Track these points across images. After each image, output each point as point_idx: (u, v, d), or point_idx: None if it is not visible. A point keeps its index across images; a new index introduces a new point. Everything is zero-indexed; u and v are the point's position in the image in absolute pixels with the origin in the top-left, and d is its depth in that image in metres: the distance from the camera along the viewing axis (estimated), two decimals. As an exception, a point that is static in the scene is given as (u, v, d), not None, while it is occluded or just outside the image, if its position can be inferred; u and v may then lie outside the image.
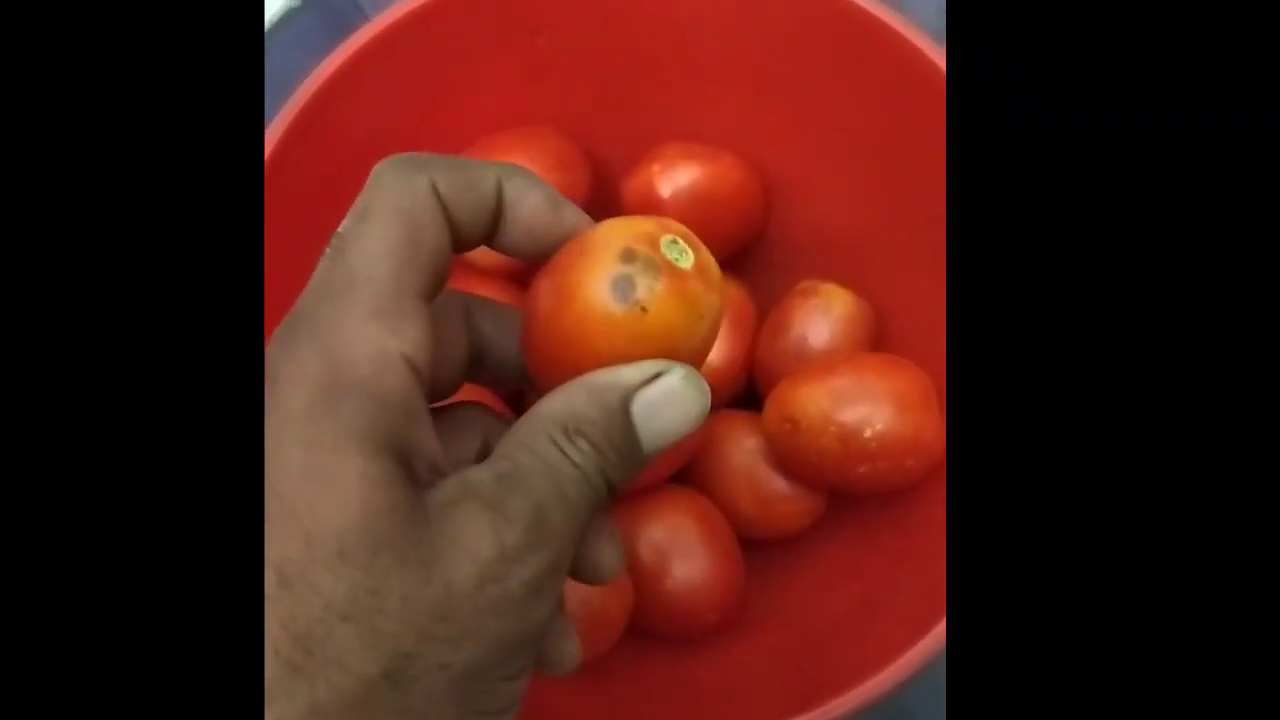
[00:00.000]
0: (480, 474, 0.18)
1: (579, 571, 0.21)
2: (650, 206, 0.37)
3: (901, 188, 0.36)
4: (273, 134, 0.34)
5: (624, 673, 0.35)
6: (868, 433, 0.31)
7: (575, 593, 0.32)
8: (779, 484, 0.36)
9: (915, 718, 0.41)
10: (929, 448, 0.32)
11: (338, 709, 0.16)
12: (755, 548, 0.37)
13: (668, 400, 0.19)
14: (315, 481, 0.17)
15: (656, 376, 0.19)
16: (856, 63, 0.34)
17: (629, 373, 0.19)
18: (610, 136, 0.40)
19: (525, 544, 0.17)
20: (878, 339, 0.37)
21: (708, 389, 0.20)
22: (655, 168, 0.37)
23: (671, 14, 0.36)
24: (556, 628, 0.21)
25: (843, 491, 0.35)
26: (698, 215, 0.37)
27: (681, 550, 0.35)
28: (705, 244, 0.37)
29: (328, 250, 0.19)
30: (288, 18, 0.54)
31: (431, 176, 0.20)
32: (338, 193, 0.36)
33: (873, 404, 0.32)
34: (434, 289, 0.20)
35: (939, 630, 0.29)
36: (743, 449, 0.36)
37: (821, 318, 0.36)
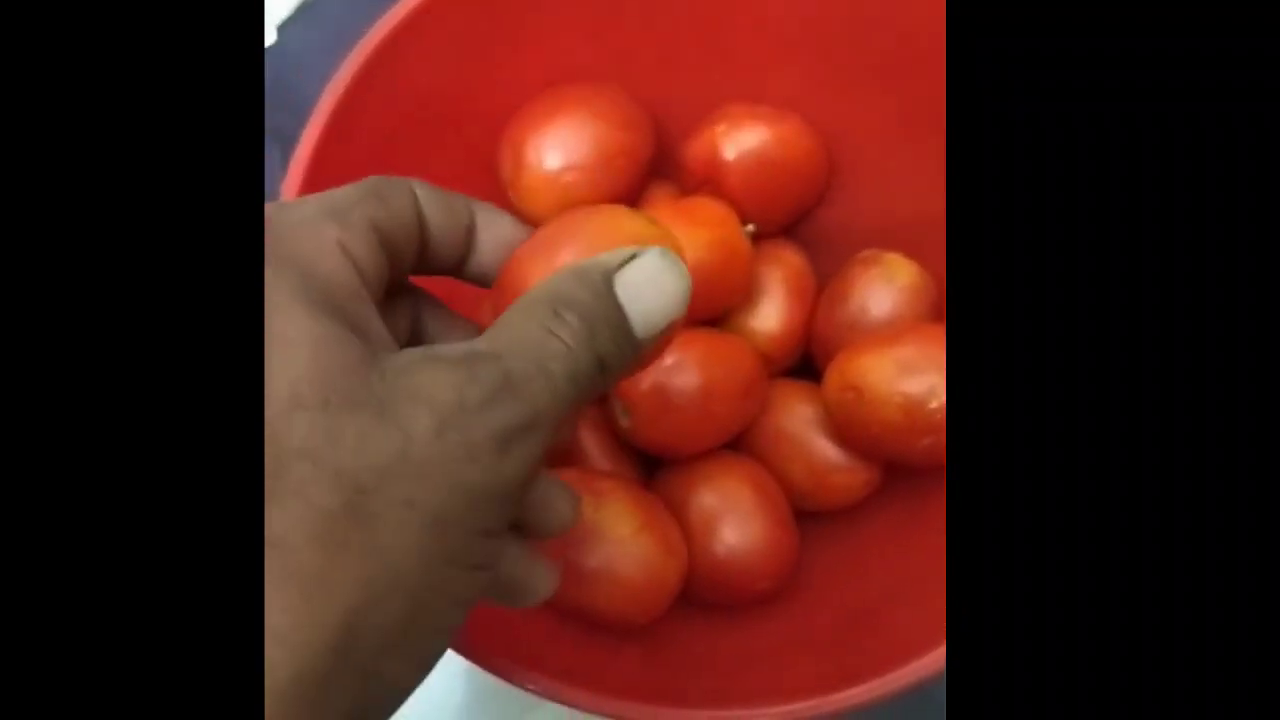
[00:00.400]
0: (450, 347, 0.18)
1: (530, 522, 0.22)
2: (713, 169, 0.37)
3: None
4: (334, 90, 0.34)
5: (669, 638, 0.35)
6: (933, 404, 0.31)
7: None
8: (834, 454, 0.35)
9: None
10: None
11: (301, 540, 0.16)
12: (806, 518, 0.37)
13: (648, 278, 0.19)
14: (267, 339, 0.17)
15: (633, 258, 0.20)
16: (932, 33, 0.33)
17: (607, 256, 0.19)
18: (672, 98, 0.39)
19: (489, 398, 0.17)
20: (941, 313, 0.37)
21: (686, 269, 0.20)
22: (720, 128, 0.37)
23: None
24: (541, 498, 0.21)
25: (902, 464, 0.34)
26: (762, 179, 0.37)
27: (735, 516, 0.34)
28: (768, 209, 0.37)
29: None
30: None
31: (412, 185, 0.22)
32: (400, 147, 0.37)
33: (939, 375, 0.31)
34: (392, 259, 0.21)
35: None
36: (798, 418, 0.36)
37: (884, 287, 0.36)
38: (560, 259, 0.22)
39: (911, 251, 0.37)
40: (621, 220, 0.23)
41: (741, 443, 0.37)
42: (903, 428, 0.32)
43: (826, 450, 0.35)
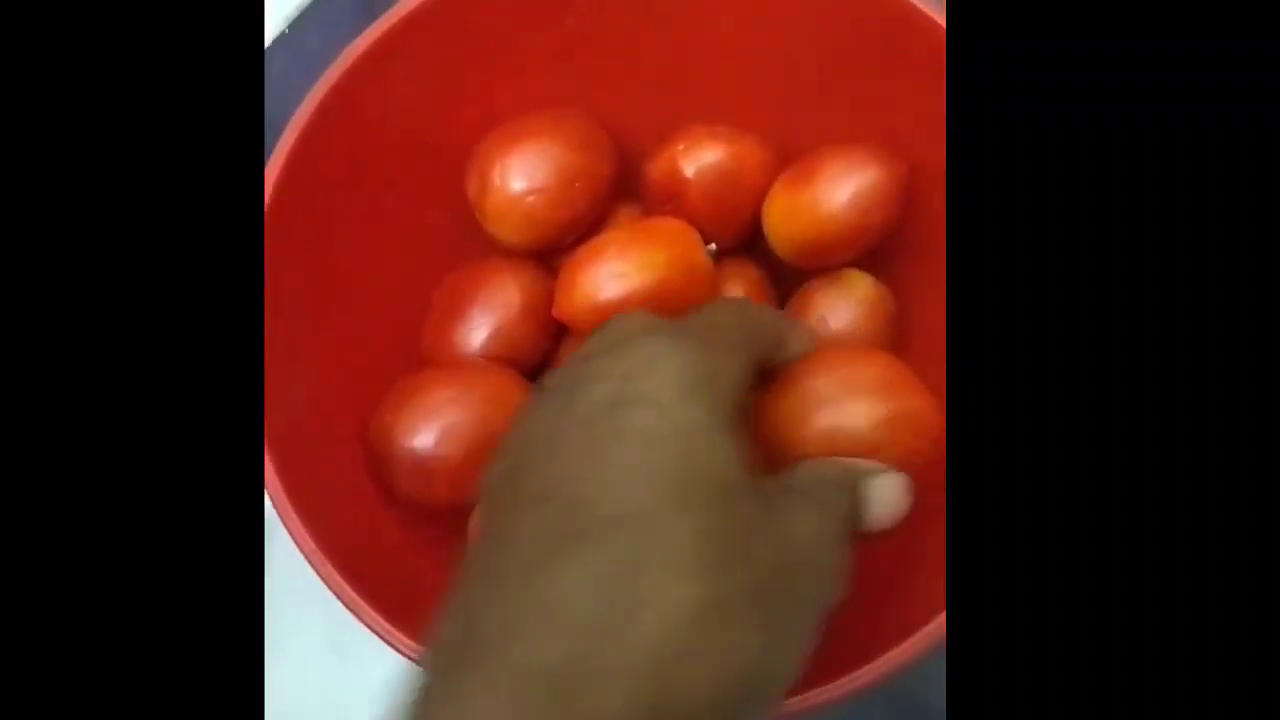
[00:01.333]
0: (798, 482, 0.25)
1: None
2: (674, 187, 0.38)
3: (922, 181, 0.36)
4: (299, 119, 0.34)
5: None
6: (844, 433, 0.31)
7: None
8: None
9: (929, 703, 0.41)
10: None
11: (736, 596, 0.21)
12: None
13: (887, 488, 0.26)
14: (709, 440, 0.22)
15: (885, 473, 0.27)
16: (883, 50, 0.34)
17: (866, 464, 0.27)
18: (636, 118, 0.40)
19: (836, 532, 0.24)
20: (900, 327, 0.38)
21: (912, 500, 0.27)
22: (680, 147, 0.38)
23: (690, 10, 0.36)
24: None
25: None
26: (720, 195, 0.38)
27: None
28: (728, 225, 0.38)
29: None
30: (319, 2, 0.55)
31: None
32: (371, 170, 0.37)
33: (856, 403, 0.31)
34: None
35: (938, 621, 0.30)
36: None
37: (843, 301, 0.36)
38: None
39: (870, 265, 0.38)
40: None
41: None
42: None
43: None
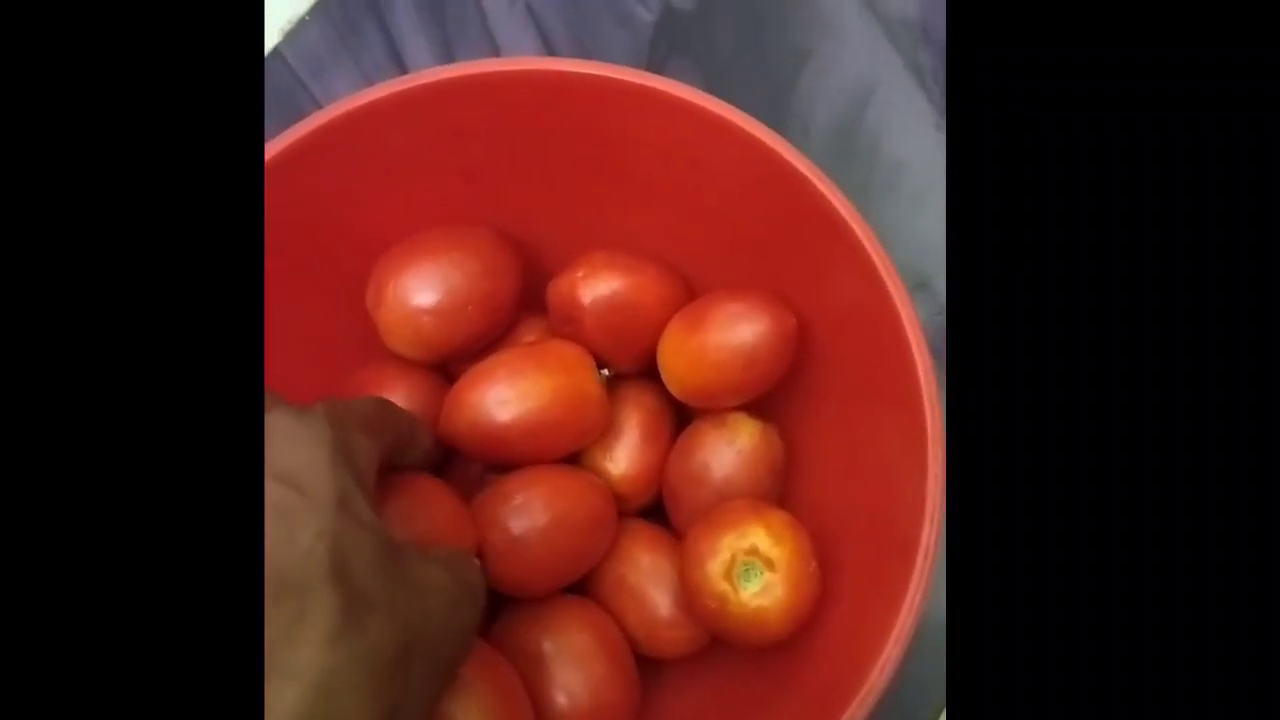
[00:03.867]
0: (436, 555, 0.28)
1: None
2: (572, 308, 0.38)
3: (819, 330, 0.36)
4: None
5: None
6: (745, 598, 0.33)
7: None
8: (665, 609, 0.36)
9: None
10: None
11: (377, 660, 0.23)
12: (648, 663, 0.37)
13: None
14: (348, 515, 0.24)
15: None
16: (784, 208, 0.35)
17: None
18: (544, 237, 0.40)
19: (468, 598, 0.28)
20: (784, 470, 0.37)
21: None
22: (579, 274, 0.38)
23: (604, 133, 0.36)
24: None
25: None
26: (616, 324, 0.38)
27: (574, 662, 0.35)
28: (624, 353, 0.38)
29: None
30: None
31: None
32: (274, 272, 0.37)
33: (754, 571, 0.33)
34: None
35: None
36: (637, 567, 0.37)
37: (726, 448, 0.36)
38: None
39: (762, 407, 0.38)
40: None
41: (587, 584, 0.37)
42: (718, 614, 0.33)
43: (658, 605, 0.36)
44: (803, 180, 0.33)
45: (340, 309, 0.39)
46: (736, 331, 0.35)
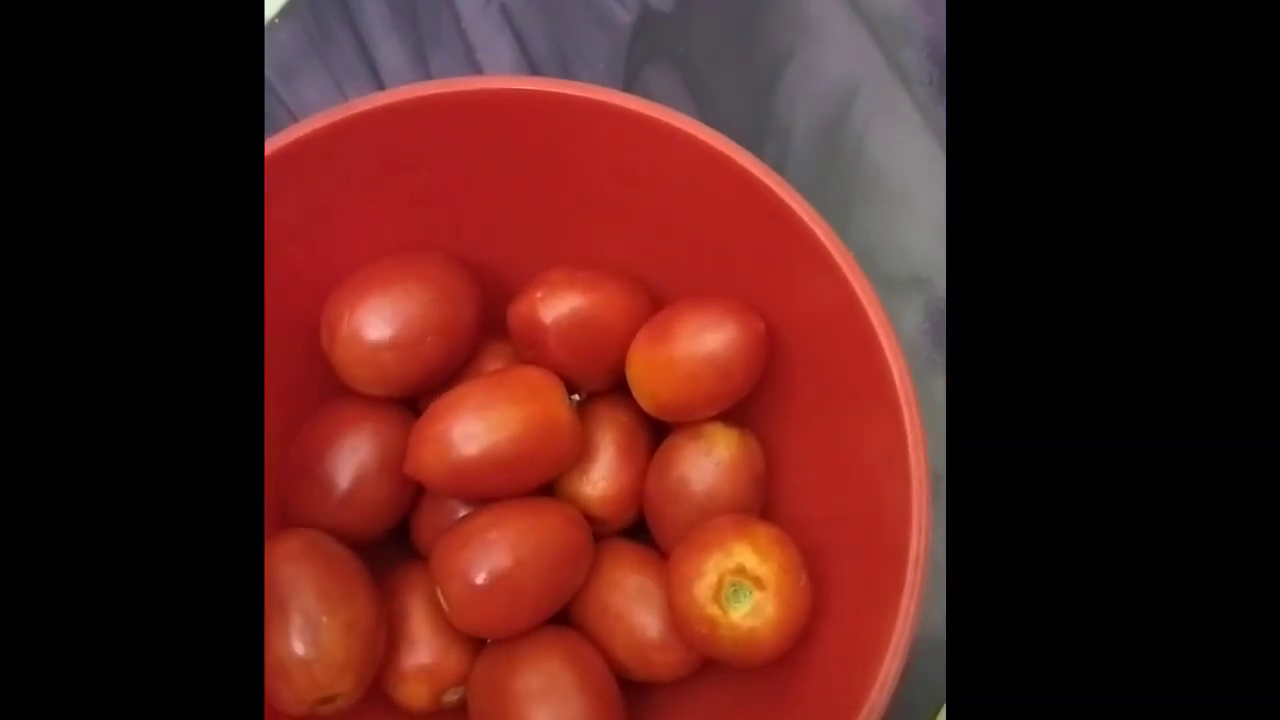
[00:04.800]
0: None
1: None
2: (534, 330, 0.36)
3: (791, 338, 0.35)
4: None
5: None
6: (735, 620, 0.32)
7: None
8: (655, 632, 0.35)
9: None
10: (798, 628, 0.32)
11: None
12: (637, 688, 0.36)
13: None
14: None
15: None
16: (733, 210, 0.34)
17: None
18: (502, 259, 0.39)
19: None
20: (766, 479, 0.37)
21: None
22: (539, 294, 0.36)
23: (559, 150, 0.35)
24: None
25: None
26: (581, 343, 0.36)
27: (555, 698, 0.34)
28: (590, 371, 0.37)
29: None
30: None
31: None
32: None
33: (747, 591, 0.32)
34: None
35: None
36: (622, 590, 0.35)
37: (704, 460, 0.35)
38: None
39: (739, 416, 0.37)
40: None
41: (570, 611, 0.36)
42: (709, 639, 0.32)
43: (648, 627, 0.35)
44: (761, 187, 0.32)
45: (295, 349, 0.38)
46: (705, 340, 0.34)
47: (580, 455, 0.37)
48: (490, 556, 0.33)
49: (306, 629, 0.31)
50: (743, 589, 0.32)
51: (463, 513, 0.37)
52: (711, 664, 0.35)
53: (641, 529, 0.39)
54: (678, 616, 0.33)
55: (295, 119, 0.47)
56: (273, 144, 0.34)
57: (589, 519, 0.37)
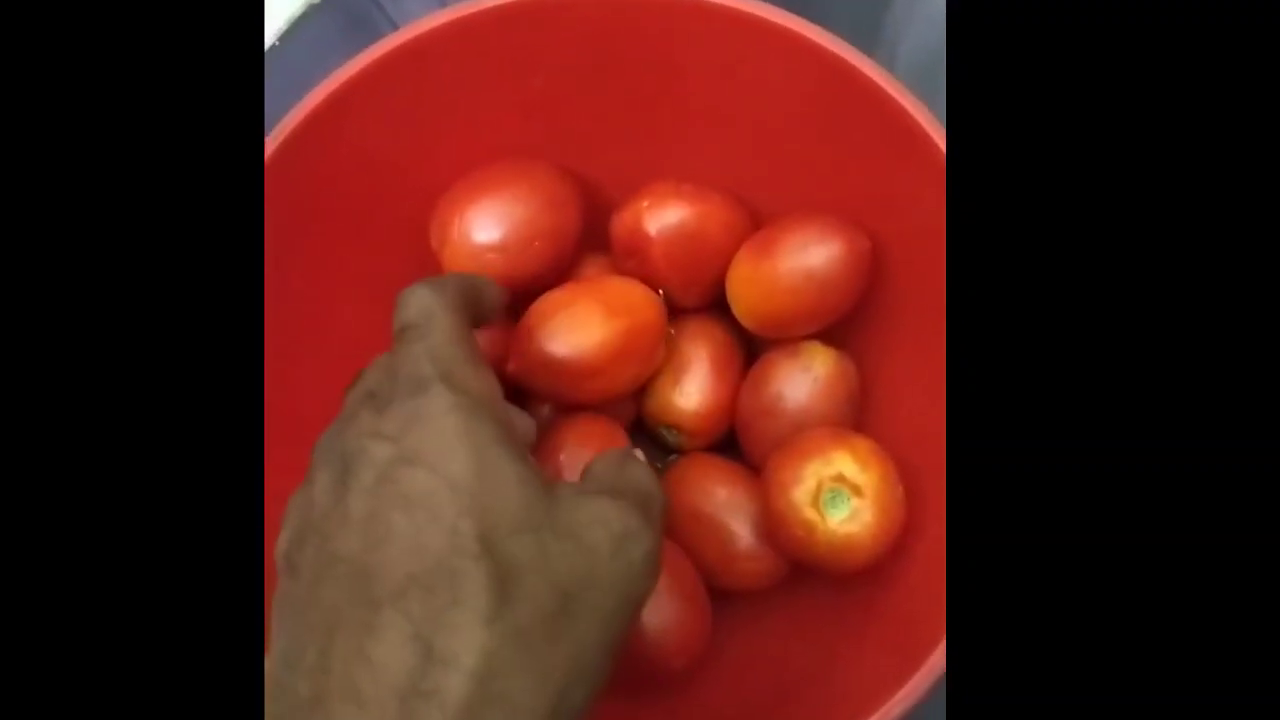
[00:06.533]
0: (593, 483, 0.26)
1: None
2: (637, 240, 0.37)
3: (895, 254, 0.35)
4: (269, 147, 0.34)
5: None
6: (833, 525, 0.32)
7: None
8: (744, 541, 0.35)
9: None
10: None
11: (535, 627, 0.22)
12: (722, 599, 0.37)
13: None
14: (488, 479, 0.23)
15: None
16: (858, 125, 0.33)
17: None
18: (605, 170, 0.39)
19: (639, 528, 0.24)
20: (860, 400, 0.37)
21: None
22: (644, 204, 0.37)
23: (669, 57, 0.35)
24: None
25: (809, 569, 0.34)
26: (683, 255, 0.37)
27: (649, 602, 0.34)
28: (692, 283, 0.37)
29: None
30: (308, 15, 0.54)
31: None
32: (327, 215, 0.37)
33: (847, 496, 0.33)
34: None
35: (905, 690, 0.29)
36: (712, 500, 0.36)
37: (802, 376, 0.36)
38: None
39: (836, 336, 0.37)
40: None
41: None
42: (805, 543, 0.32)
43: (737, 536, 0.35)
44: (879, 93, 0.32)
45: (403, 250, 0.39)
46: (809, 256, 0.34)
47: (671, 365, 0.38)
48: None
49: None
50: (841, 495, 0.32)
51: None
52: (796, 575, 0.36)
53: (730, 446, 0.39)
54: (773, 521, 0.33)
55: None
56: (382, 47, 0.35)
57: (679, 431, 0.38)
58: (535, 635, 0.22)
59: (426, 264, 0.38)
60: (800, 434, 0.34)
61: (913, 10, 0.46)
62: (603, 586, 0.23)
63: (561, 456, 0.36)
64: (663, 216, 0.36)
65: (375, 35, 0.35)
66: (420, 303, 0.27)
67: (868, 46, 0.39)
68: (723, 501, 0.36)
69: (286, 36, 0.55)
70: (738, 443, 0.39)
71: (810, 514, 0.32)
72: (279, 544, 0.25)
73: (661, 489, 0.27)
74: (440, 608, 0.21)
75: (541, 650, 0.22)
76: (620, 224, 0.37)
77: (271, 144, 0.34)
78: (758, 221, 0.38)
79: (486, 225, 0.36)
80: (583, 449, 0.36)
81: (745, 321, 0.37)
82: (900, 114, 0.32)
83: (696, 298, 0.38)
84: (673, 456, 0.40)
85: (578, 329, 0.35)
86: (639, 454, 0.28)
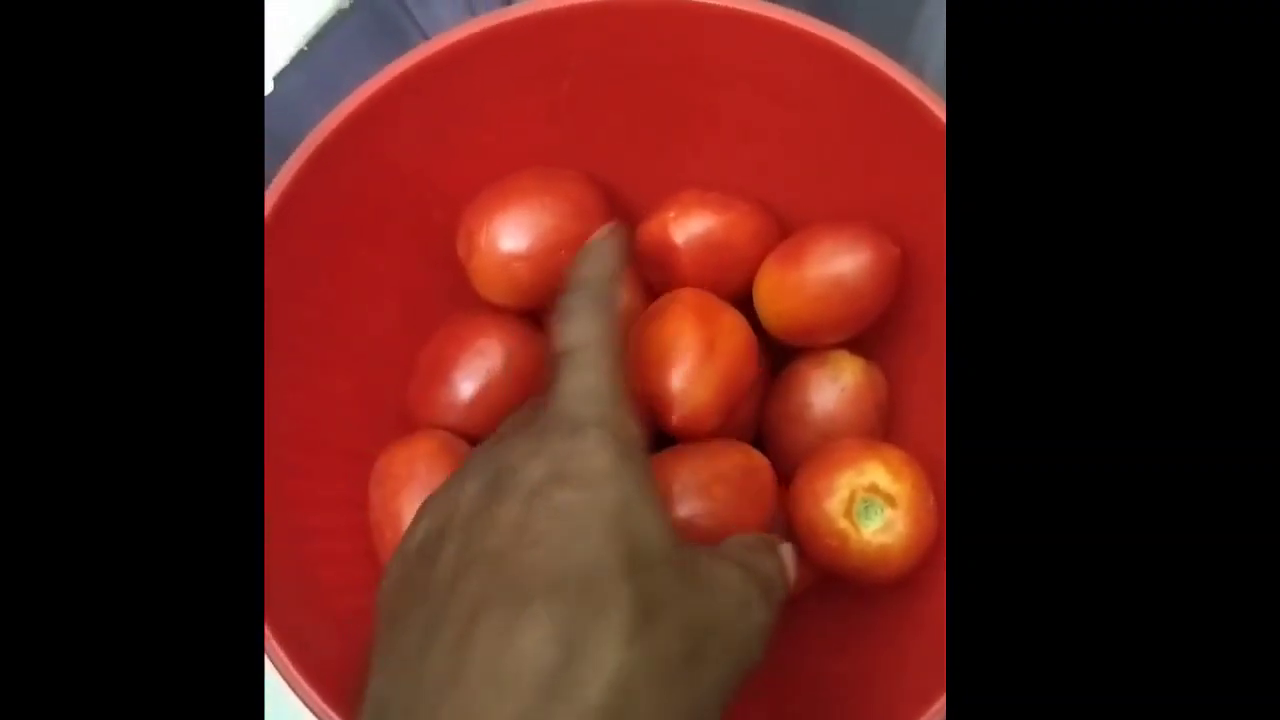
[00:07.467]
0: (728, 550, 0.27)
1: None
2: (665, 251, 0.37)
3: (919, 259, 0.35)
4: (287, 171, 0.34)
5: None
6: (866, 537, 0.32)
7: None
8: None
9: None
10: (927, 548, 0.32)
11: (670, 658, 0.22)
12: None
13: (789, 554, 0.28)
14: (634, 514, 0.24)
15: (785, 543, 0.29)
16: (885, 133, 0.33)
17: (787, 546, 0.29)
18: (633, 179, 0.39)
19: (759, 597, 0.25)
20: (888, 409, 0.37)
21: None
22: (671, 214, 0.37)
23: (696, 64, 0.35)
24: None
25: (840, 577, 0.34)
26: (710, 264, 0.37)
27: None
28: (719, 291, 0.37)
29: None
30: (337, 20, 0.54)
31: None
32: (354, 224, 0.37)
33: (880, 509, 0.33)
34: None
35: (942, 702, 0.29)
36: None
37: (829, 385, 0.36)
38: None
39: (864, 346, 0.37)
40: None
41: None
42: (839, 553, 0.32)
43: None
44: (909, 99, 0.32)
45: (429, 259, 0.39)
46: (837, 264, 0.34)
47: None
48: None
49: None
50: (874, 506, 0.32)
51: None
52: (825, 583, 0.36)
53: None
54: (804, 531, 0.33)
55: (427, 39, 0.47)
56: (412, 58, 0.35)
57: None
58: (669, 666, 0.22)
59: (450, 272, 0.38)
60: (832, 444, 0.34)
61: (941, 22, 0.46)
62: (727, 642, 0.24)
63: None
64: (689, 226, 0.36)
65: (402, 38, 0.35)
66: (582, 331, 0.28)
67: (895, 57, 0.39)
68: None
69: (315, 40, 0.55)
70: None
71: (844, 524, 0.32)
72: (409, 537, 0.26)
73: (788, 584, 0.28)
74: (586, 616, 0.22)
75: (672, 683, 0.22)
76: (647, 234, 0.37)
77: (304, 153, 0.34)
78: (785, 229, 0.38)
79: (513, 234, 0.36)
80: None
81: (771, 328, 0.37)
82: (931, 121, 0.31)
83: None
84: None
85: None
86: (787, 548, 0.29)
